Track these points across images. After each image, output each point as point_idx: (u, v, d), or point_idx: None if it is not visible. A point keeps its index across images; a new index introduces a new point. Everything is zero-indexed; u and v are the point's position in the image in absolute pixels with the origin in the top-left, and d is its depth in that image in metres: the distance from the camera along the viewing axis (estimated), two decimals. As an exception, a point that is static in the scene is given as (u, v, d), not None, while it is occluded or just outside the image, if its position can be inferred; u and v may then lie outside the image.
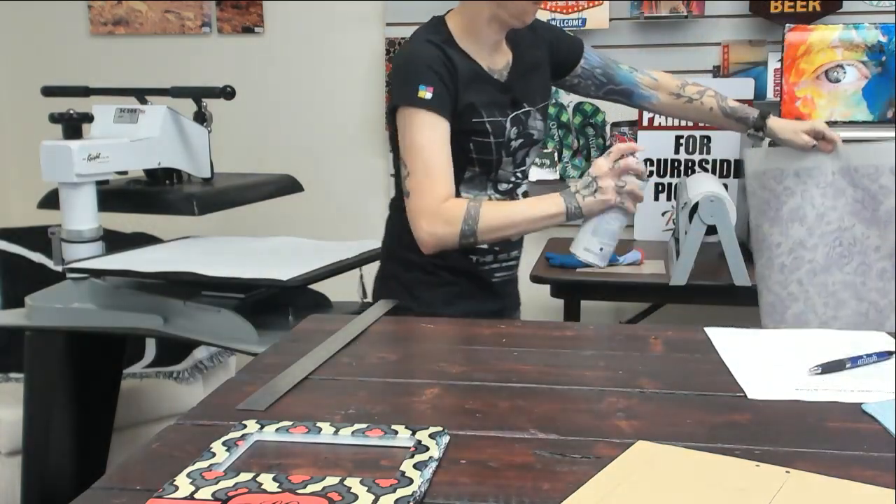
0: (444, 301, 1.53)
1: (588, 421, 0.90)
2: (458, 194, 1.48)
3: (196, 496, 0.71)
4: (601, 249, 1.37)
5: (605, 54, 1.70)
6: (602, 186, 1.37)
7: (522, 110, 1.53)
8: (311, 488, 0.72)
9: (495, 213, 1.43)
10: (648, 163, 2.72)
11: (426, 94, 1.41)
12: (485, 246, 1.52)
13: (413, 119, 1.43)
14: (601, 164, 1.38)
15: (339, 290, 2.01)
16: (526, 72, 1.55)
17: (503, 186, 1.55)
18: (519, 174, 1.58)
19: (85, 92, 2.32)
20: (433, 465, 0.77)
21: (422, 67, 1.43)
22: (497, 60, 1.53)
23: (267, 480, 0.74)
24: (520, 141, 1.54)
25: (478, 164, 1.50)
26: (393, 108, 1.47)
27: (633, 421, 0.89)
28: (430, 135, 1.43)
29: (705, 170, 2.69)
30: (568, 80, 1.67)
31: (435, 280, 1.55)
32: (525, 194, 1.60)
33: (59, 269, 1.97)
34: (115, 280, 1.96)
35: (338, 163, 3.00)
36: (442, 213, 1.42)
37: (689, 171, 2.69)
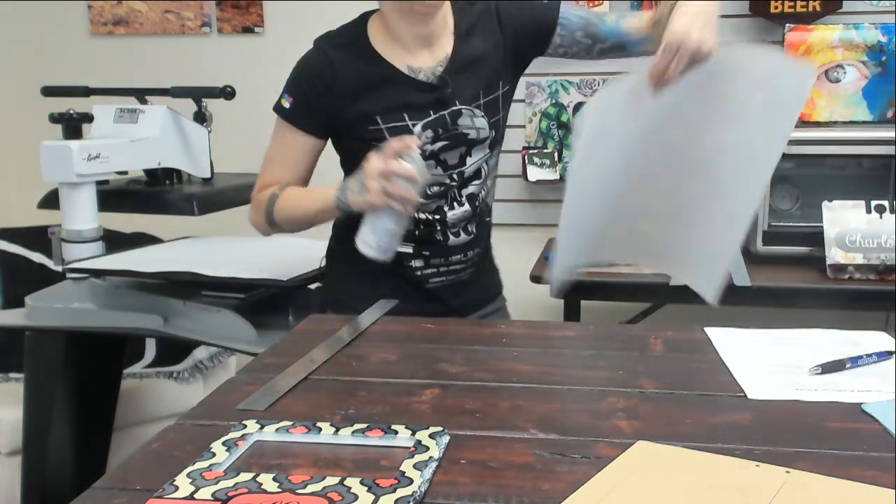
0: (367, 296, 1.45)
1: (588, 421, 0.90)
2: None
3: (196, 496, 0.71)
4: (379, 245, 1.33)
5: (589, 11, 1.55)
6: (368, 187, 1.29)
7: (449, 110, 1.43)
8: (311, 488, 0.72)
9: (284, 203, 1.45)
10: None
11: (285, 103, 1.46)
12: (408, 249, 1.48)
13: (276, 125, 1.50)
14: (371, 164, 1.29)
15: (339, 290, 2.01)
16: (465, 67, 1.45)
17: (433, 189, 1.45)
18: (455, 175, 1.46)
19: (85, 92, 2.32)
20: (433, 465, 0.77)
21: (295, 75, 1.47)
22: (423, 58, 1.44)
23: (267, 480, 0.74)
24: (442, 143, 1.43)
25: None
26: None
27: (633, 421, 0.89)
28: (278, 142, 1.49)
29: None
30: (552, 52, 1.56)
31: (357, 274, 1.51)
32: (473, 196, 1.49)
33: (59, 268, 1.97)
34: (115, 280, 1.96)
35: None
36: (257, 201, 1.50)
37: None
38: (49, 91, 2.36)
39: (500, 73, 1.50)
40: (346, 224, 1.45)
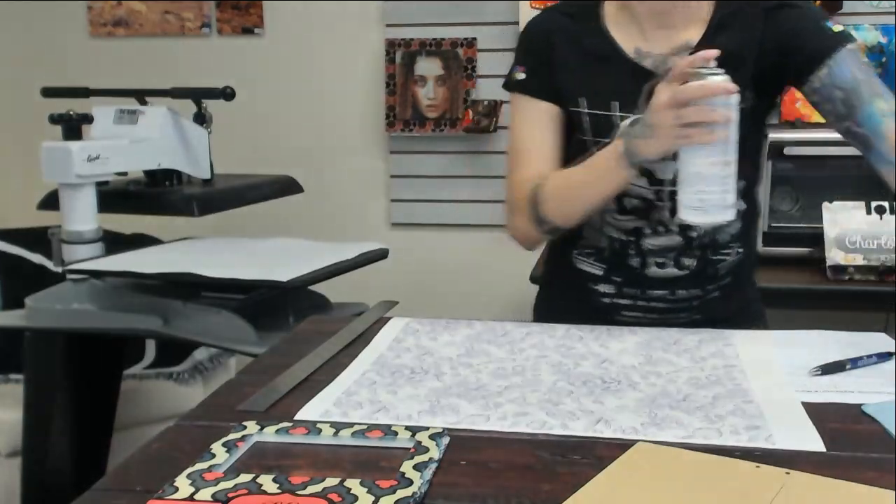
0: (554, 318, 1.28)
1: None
2: None
3: (196, 497, 0.71)
4: (697, 202, 1.04)
5: (868, 76, 1.17)
6: (655, 124, 1.05)
7: None
8: (311, 489, 0.72)
9: (552, 190, 1.20)
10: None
11: (518, 75, 1.29)
12: (598, 272, 1.29)
13: (512, 107, 1.31)
14: (657, 97, 1.05)
15: (339, 291, 2.01)
16: None
17: (630, 203, 1.24)
18: (665, 195, 1.22)
19: (85, 93, 2.32)
20: (433, 466, 0.77)
21: (520, 44, 1.32)
22: (657, 41, 1.22)
23: (267, 481, 0.74)
24: None
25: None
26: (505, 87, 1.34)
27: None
28: (521, 123, 1.29)
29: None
30: (806, 94, 1.19)
31: (548, 299, 1.40)
32: (688, 225, 1.19)
33: (59, 270, 1.97)
34: (115, 281, 1.95)
35: (338, 163, 3.00)
36: (515, 203, 1.26)
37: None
38: (49, 92, 2.35)
39: (746, 84, 1.14)
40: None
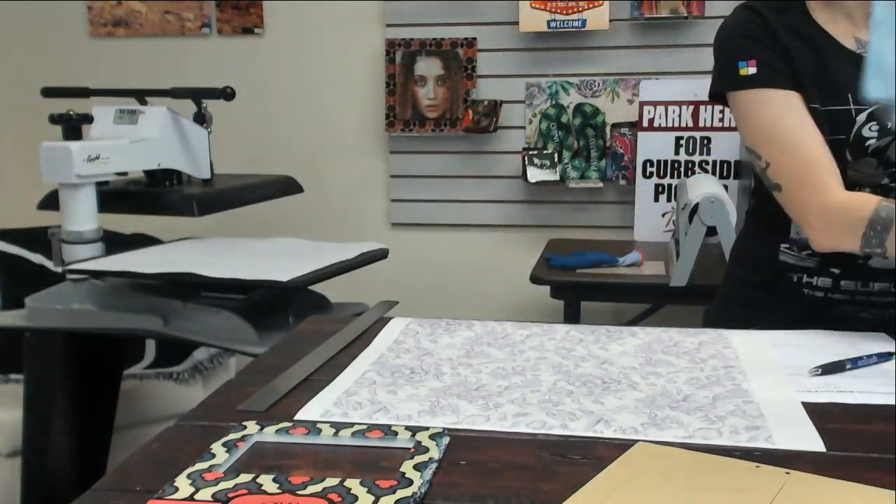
0: (748, 317, 1.23)
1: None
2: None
3: (196, 497, 0.71)
4: None
5: None
6: None
7: None
8: (311, 489, 0.72)
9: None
10: (648, 164, 2.72)
11: (749, 69, 1.20)
12: (811, 264, 1.23)
13: (740, 104, 1.23)
14: None
15: (339, 291, 2.01)
16: None
17: (867, 192, 1.18)
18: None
19: (85, 93, 2.32)
20: (433, 466, 0.77)
21: (736, 41, 1.23)
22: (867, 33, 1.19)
23: (267, 481, 0.74)
24: (890, 138, 1.17)
25: None
26: (714, 94, 1.27)
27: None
28: (780, 120, 1.19)
29: (705, 171, 2.69)
30: None
31: (742, 298, 1.32)
32: None
33: (59, 270, 1.97)
34: (115, 281, 1.96)
35: (338, 163, 3.00)
36: (826, 215, 1.14)
37: (690, 173, 2.69)
38: (49, 92, 2.36)
39: None
40: (756, 213, 1.27)
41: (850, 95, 1.17)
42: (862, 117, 1.16)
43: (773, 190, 1.21)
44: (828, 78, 1.18)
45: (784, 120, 1.18)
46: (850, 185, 1.19)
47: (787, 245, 1.28)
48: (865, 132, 1.17)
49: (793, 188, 1.18)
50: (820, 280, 1.25)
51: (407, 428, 0.85)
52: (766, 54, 1.20)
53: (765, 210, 1.28)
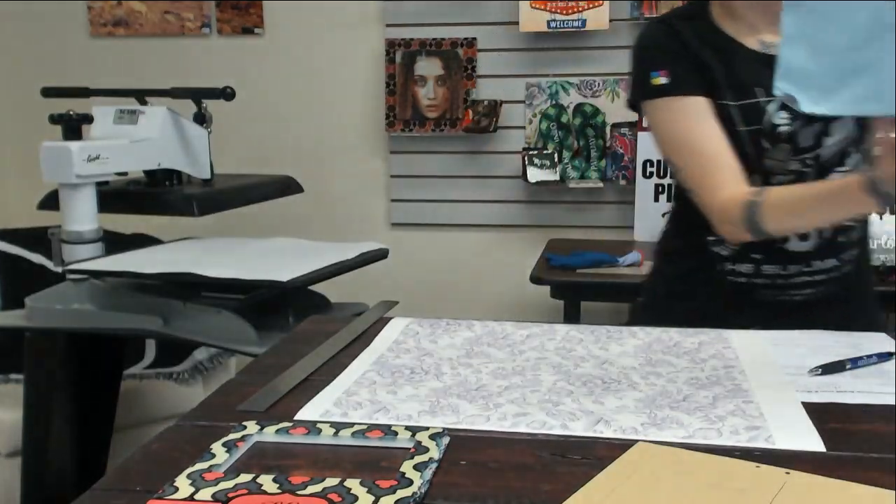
0: (677, 319, 1.25)
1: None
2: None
3: (196, 497, 0.71)
4: None
5: None
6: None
7: None
8: (311, 489, 0.72)
9: (779, 200, 1.17)
10: (648, 164, 2.72)
11: (661, 80, 1.28)
12: (733, 252, 1.30)
13: (658, 118, 1.30)
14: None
15: (339, 291, 2.01)
16: None
17: (779, 181, 1.26)
18: (809, 161, 1.25)
19: (85, 93, 2.32)
20: (433, 466, 0.77)
21: (646, 53, 1.32)
22: (775, 35, 1.23)
23: (267, 481, 0.74)
24: (799, 123, 1.24)
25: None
26: (632, 103, 1.34)
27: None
28: (685, 127, 1.27)
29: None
30: None
31: (666, 290, 1.41)
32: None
33: (59, 270, 1.97)
34: (115, 281, 1.96)
35: (338, 163, 3.00)
36: (724, 212, 1.23)
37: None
38: (49, 92, 2.36)
39: None
40: (681, 212, 1.35)
41: (758, 90, 1.25)
42: (772, 107, 1.25)
43: (690, 192, 1.29)
44: (737, 77, 1.26)
45: (691, 126, 1.26)
46: (766, 173, 1.27)
47: (713, 237, 1.34)
48: (777, 119, 1.25)
49: (698, 189, 1.27)
50: (743, 266, 1.31)
51: (407, 428, 0.85)
52: (676, 64, 1.27)
53: (689, 207, 1.33)
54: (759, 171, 1.27)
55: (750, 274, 1.32)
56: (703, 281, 1.36)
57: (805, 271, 1.30)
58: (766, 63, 1.18)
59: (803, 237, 1.28)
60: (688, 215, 1.35)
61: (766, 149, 1.26)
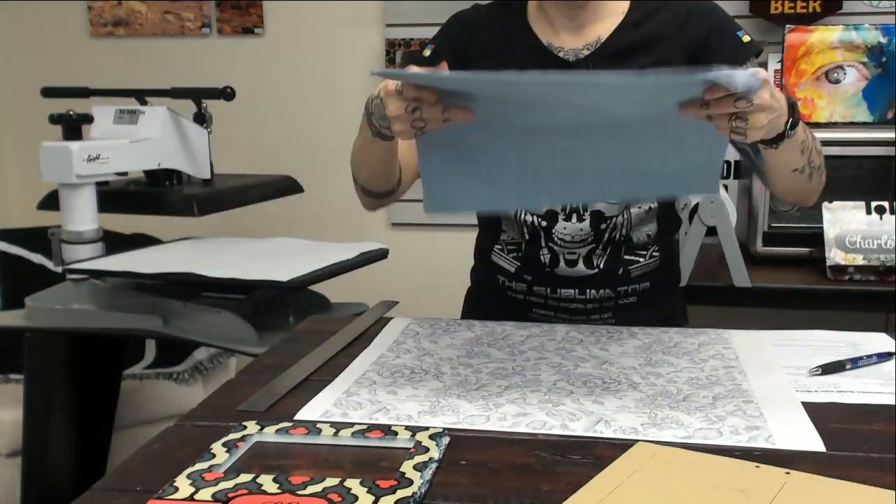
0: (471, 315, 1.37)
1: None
2: None
3: (196, 497, 0.71)
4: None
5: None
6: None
7: None
8: (311, 489, 0.72)
9: (352, 152, 1.28)
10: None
11: (427, 52, 1.34)
12: (511, 268, 1.34)
13: None
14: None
15: (339, 291, 2.01)
16: (621, 55, 1.26)
17: None
18: None
19: (85, 93, 2.32)
20: (433, 466, 0.77)
21: (443, 28, 1.37)
22: (567, 40, 1.29)
23: (267, 481, 0.74)
24: None
25: None
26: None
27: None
28: None
29: (705, 171, 2.68)
30: None
31: (473, 294, 1.47)
32: (600, 215, 1.27)
33: (59, 270, 1.97)
34: (115, 281, 1.96)
35: (338, 163, 2.99)
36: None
37: (689, 172, 2.68)
38: (49, 92, 2.35)
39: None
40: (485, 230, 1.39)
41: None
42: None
43: None
44: (511, 68, 1.19)
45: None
46: None
47: (499, 246, 1.38)
48: None
49: None
50: (517, 284, 1.34)
51: (407, 428, 0.85)
52: (445, 49, 1.31)
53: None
54: None
55: (524, 292, 1.34)
56: (490, 291, 1.40)
57: (578, 298, 1.31)
58: (550, 62, 1.27)
59: (571, 263, 1.28)
60: (482, 218, 1.42)
61: None
